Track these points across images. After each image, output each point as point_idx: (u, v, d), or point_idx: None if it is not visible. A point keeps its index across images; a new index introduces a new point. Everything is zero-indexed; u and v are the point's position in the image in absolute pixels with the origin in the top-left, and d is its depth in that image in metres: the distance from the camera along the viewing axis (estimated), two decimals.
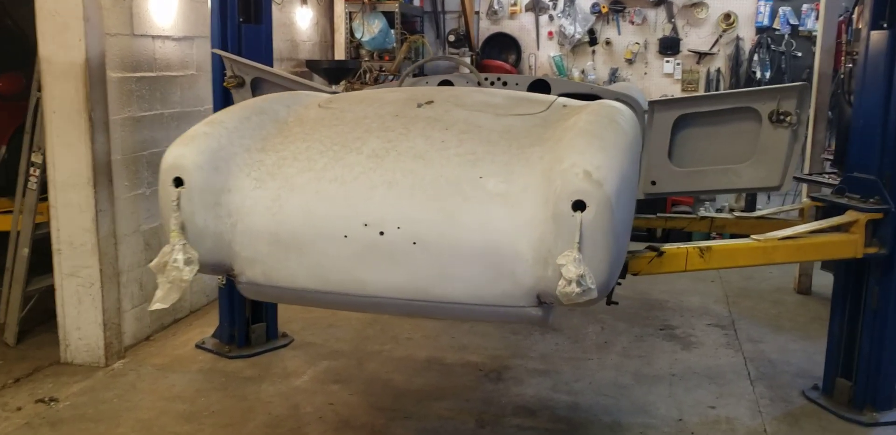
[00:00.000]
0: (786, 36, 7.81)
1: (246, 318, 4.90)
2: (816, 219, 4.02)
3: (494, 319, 2.53)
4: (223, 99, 4.49)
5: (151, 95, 5.07)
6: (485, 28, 8.47)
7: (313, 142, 2.56)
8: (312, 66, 7.04)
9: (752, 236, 3.69)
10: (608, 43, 8.18)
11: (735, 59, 7.95)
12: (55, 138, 4.44)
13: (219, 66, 4.48)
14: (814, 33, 7.58)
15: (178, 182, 2.46)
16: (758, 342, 5.22)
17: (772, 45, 7.82)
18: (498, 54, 8.37)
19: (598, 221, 2.19)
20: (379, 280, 2.36)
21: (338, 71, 7.11)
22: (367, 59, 7.57)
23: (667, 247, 3.57)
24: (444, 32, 8.48)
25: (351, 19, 7.58)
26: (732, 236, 4.33)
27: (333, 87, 7.10)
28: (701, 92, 7.88)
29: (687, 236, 5.90)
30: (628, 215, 2.46)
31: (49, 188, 4.52)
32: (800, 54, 7.81)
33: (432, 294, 2.35)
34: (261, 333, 4.97)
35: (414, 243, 2.31)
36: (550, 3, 8.23)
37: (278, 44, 6.77)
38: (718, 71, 8.03)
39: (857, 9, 5.02)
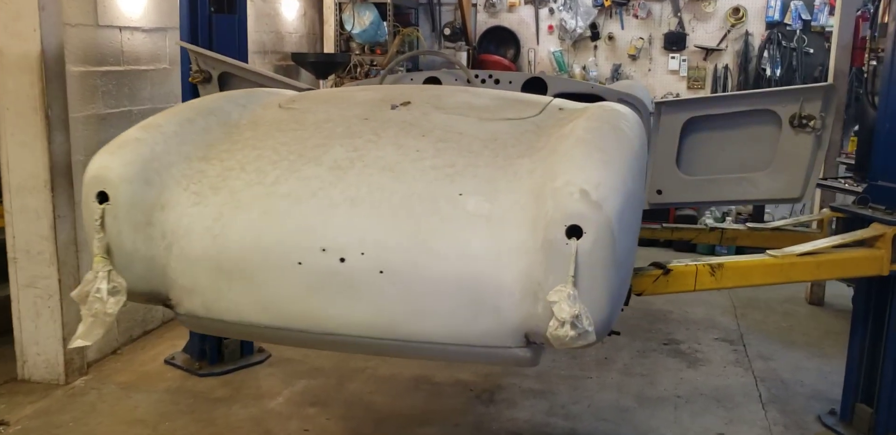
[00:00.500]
0: (797, 32, 7.46)
1: None
2: (836, 231, 3.67)
3: (476, 360, 2.18)
4: (192, 96, 4.14)
5: (119, 91, 4.72)
6: (482, 21, 8.12)
7: (266, 149, 2.19)
8: (298, 60, 6.67)
9: (769, 252, 3.34)
10: (611, 38, 7.83)
11: (744, 56, 7.60)
12: (9, 137, 4.10)
13: (187, 60, 4.12)
14: (827, 29, 7.23)
15: (103, 197, 2.10)
16: (769, 359, 4.88)
17: (783, 42, 7.46)
18: (496, 49, 8.01)
19: (598, 250, 1.84)
20: (339, 315, 2.00)
21: (326, 65, 6.75)
22: (357, 52, 7.21)
23: (674, 264, 3.23)
24: (439, 25, 8.12)
25: (341, 10, 7.22)
26: (738, 250, 3.99)
27: (322, 83, 6.74)
28: (707, 90, 7.53)
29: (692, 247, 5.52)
30: (633, 239, 2.11)
31: (3, 192, 4.18)
32: (812, 51, 7.46)
33: (402, 332, 2.00)
34: (234, 349, 4.62)
35: (380, 272, 1.96)
36: None
37: (261, 36, 6.42)
38: (726, 68, 7.67)
39: (882, 2, 4.64)
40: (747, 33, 7.60)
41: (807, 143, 3.04)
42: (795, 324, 5.57)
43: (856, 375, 3.89)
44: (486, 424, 3.99)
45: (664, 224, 4.20)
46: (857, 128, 6.18)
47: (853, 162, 5.62)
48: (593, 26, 7.80)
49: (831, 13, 7.15)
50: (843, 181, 5.02)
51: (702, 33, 7.70)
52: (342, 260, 1.97)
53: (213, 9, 4.24)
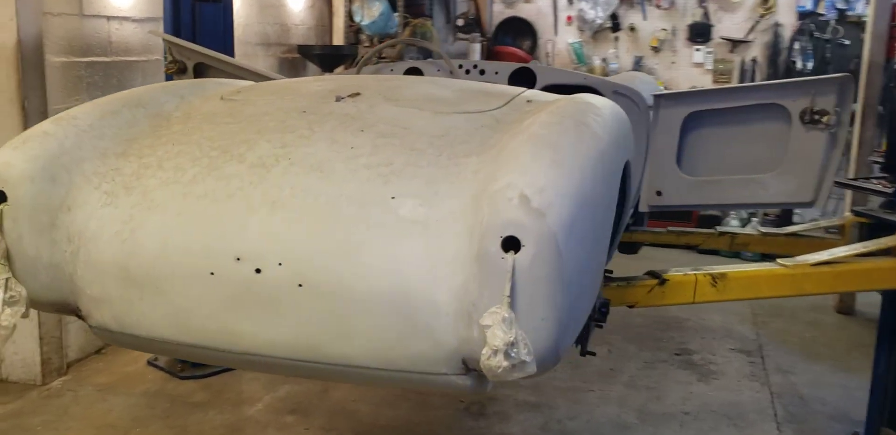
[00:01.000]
0: (832, 22, 7.03)
1: None
2: (860, 238, 3.34)
3: (411, 387, 1.93)
4: None
5: (106, 82, 4.55)
6: (498, 12, 7.84)
7: (189, 144, 1.96)
8: (304, 52, 6.47)
9: (779, 260, 3.03)
10: (632, 29, 7.49)
11: (773, 48, 7.20)
12: None
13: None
14: (864, 19, 6.81)
15: (1, 197, 1.89)
16: (788, 373, 4.54)
17: (815, 33, 7.04)
18: (512, 41, 7.73)
19: (539, 266, 1.57)
20: (256, 333, 1.76)
21: (332, 57, 6.54)
22: (367, 44, 6.98)
23: (671, 273, 2.94)
24: (453, 16, 7.84)
25: (351, 1, 6.99)
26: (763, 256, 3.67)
27: (326, 76, 6.53)
28: (735, 84, 7.16)
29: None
30: (595, 252, 1.83)
31: None
32: (847, 42, 7.02)
33: (325, 354, 1.75)
34: None
35: (300, 286, 1.71)
36: None
37: (265, 27, 6.22)
38: (754, 61, 7.28)
39: None
40: (777, 24, 7.20)
41: (819, 141, 2.73)
42: (820, 334, 5.21)
43: (881, 395, 3.54)
44: None
45: (670, 228, 3.90)
46: None
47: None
48: (614, 17, 7.48)
49: (869, 1, 6.75)
50: (875, 182, 4.66)
51: (728, 24, 7.33)
52: (258, 271, 1.73)
53: None
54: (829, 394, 4.26)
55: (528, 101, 2.17)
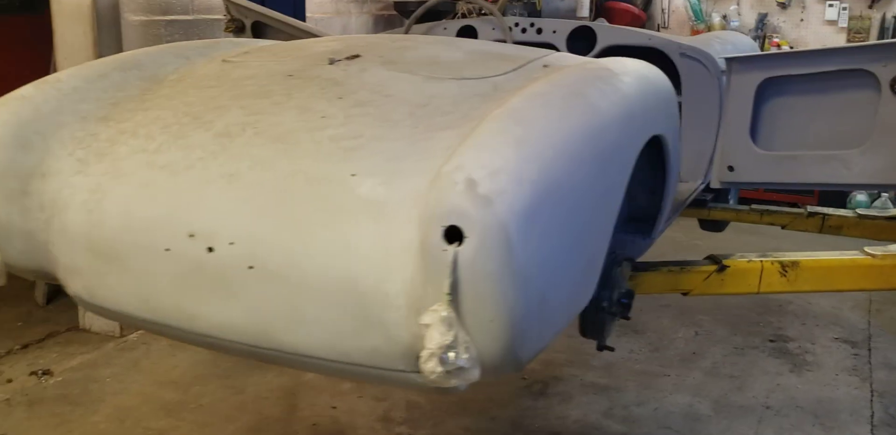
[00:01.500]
0: None
1: None
2: None
3: (371, 381, 1.77)
4: None
5: (188, 40, 4.57)
6: None
7: (166, 110, 1.85)
8: (401, 9, 6.28)
9: (866, 249, 2.64)
10: None
11: None
12: None
13: None
14: None
15: None
16: None
17: None
18: None
19: (484, 261, 1.35)
20: (209, 314, 1.65)
21: (430, 14, 6.27)
22: None
23: (734, 259, 2.63)
24: None
25: None
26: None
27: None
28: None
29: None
30: (578, 245, 1.58)
31: None
32: None
33: (278, 341, 1.62)
34: None
35: (250, 267, 1.58)
36: None
37: None
38: None
39: None
40: None
41: None
42: None
43: None
44: (528, 420, 3.57)
45: (753, 205, 3.49)
46: None
47: None
48: None
49: None
50: None
51: None
52: (210, 249, 1.61)
53: None
54: None
55: (545, 66, 1.91)
